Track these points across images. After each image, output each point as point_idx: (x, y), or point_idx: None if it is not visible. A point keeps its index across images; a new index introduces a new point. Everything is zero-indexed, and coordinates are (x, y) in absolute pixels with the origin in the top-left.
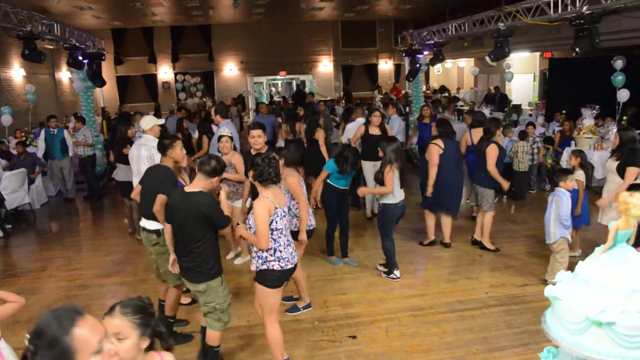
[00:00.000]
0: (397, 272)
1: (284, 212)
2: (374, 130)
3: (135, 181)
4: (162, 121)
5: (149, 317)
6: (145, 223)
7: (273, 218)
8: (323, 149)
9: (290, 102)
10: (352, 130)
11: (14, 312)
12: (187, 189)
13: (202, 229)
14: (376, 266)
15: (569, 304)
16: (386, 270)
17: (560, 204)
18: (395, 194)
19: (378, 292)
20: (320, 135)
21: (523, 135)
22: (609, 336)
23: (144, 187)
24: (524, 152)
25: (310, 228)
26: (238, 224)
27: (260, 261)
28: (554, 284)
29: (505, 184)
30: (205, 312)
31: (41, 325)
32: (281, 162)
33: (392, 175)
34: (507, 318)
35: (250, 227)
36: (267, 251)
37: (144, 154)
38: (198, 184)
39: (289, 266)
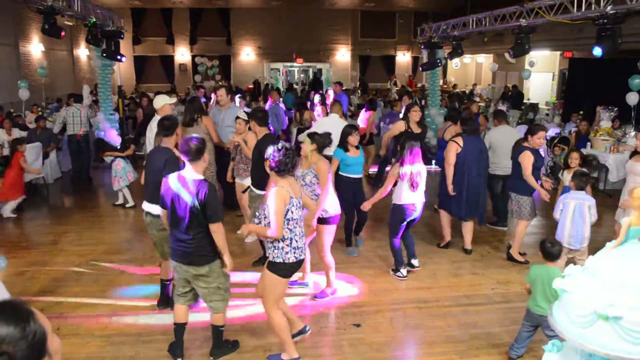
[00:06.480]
0: (403, 271)
1: (299, 202)
2: (415, 127)
3: None
4: (173, 100)
5: None
6: (150, 207)
7: (288, 208)
8: None
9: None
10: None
11: None
12: (187, 175)
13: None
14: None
15: (577, 297)
16: (394, 268)
17: (593, 209)
18: (397, 195)
19: (385, 283)
20: None
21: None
22: (615, 331)
23: (147, 170)
24: None
25: (326, 216)
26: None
27: (276, 252)
28: (563, 277)
29: (544, 193)
30: (208, 296)
31: (15, 328)
32: (314, 146)
33: (391, 177)
34: (511, 315)
35: (265, 217)
36: (283, 241)
37: (149, 135)
38: (197, 169)
39: (302, 256)
